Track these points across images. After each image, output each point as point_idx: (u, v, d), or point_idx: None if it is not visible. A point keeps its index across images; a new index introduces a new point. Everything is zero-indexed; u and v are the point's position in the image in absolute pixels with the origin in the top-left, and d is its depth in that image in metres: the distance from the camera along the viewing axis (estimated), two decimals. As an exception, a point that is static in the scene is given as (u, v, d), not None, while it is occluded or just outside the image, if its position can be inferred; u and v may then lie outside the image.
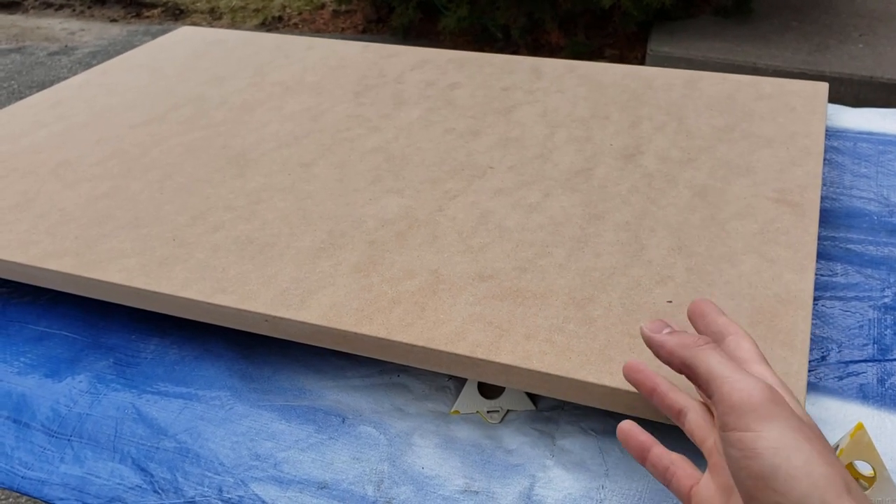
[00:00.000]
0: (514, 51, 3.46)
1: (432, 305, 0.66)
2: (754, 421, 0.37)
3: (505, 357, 0.60)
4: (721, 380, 0.40)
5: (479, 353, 0.61)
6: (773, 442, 0.36)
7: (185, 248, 0.75)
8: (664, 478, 0.49)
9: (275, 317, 0.66)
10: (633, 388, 0.56)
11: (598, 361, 0.59)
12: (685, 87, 1.04)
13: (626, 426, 0.51)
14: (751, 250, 0.71)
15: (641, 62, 3.14)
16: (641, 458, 0.50)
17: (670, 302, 0.65)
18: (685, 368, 0.44)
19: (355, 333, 0.64)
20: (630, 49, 3.34)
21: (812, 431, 0.38)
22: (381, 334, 0.63)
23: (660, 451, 0.49)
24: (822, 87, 1.03)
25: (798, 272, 0.68)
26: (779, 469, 0.35)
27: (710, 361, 0.42)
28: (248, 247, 0.74)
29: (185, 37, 1.34)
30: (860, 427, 0.56)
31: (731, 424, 0.38)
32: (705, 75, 1.07)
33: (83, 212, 0.82)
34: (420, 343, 0.62)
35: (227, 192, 0.84)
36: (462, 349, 0.61)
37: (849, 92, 2.73)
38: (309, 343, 0.66)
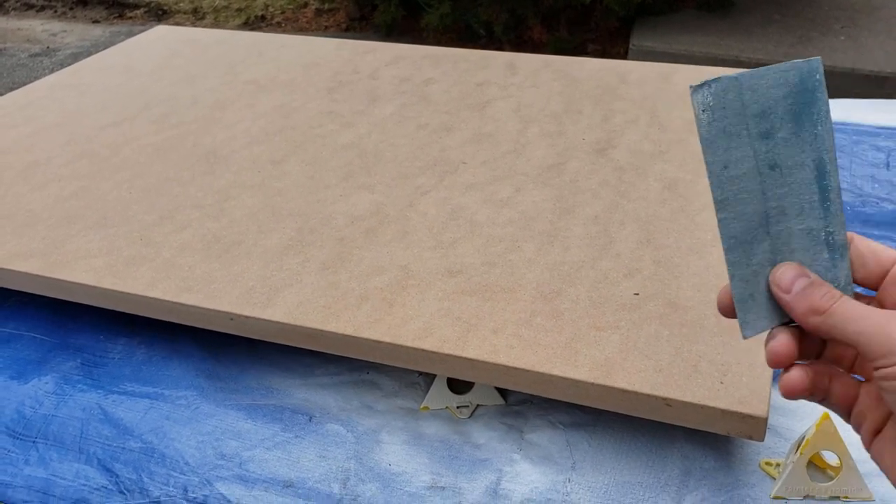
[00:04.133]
0: (498, 47, 3.46)
1: (400, 301, 0.66)
2: None
3: (472, 352, 0.60)
4: (857, 339, 0.39)
5: (447, 349, 0.61)
6: None
7: (152, 248, 0.74)
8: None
9: (240, 315, 0.65)
10: (598, 381, 0.56)
11: (564, 355, 0.59)
12: (659, 80, 1.04)
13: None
14: (720, 242, 0.70)
15: (624, 57, 3.14)
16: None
17: (637, 294, 0.64)
18: (818, 333, 0.41)
19: (321, 331, 0.63)
20: (612, 44, 3.34)
21: None
22: (348, 331, 0.63)
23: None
24: (796, 79, 1.03)
25: (766, 263, 0.68)
26: None
27: (843, 325, 0.40)
28: (214, 245, 0.74)
29: (159, 36, 1.33)
30: (826, 417, 0.56)
31: (880, 365, 0.38)
32: (680, 68, 1.07)
33: (51, 213, 0.81)
34: (387, 339, 0.62)
35: (196, 191, 0.83)
36: (429, 345, 0.61)
37: (831, 84, 2.72)
38: (275, 341, 0.66)
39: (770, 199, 0.41)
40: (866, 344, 0.38)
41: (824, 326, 0.40)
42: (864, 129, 1.02)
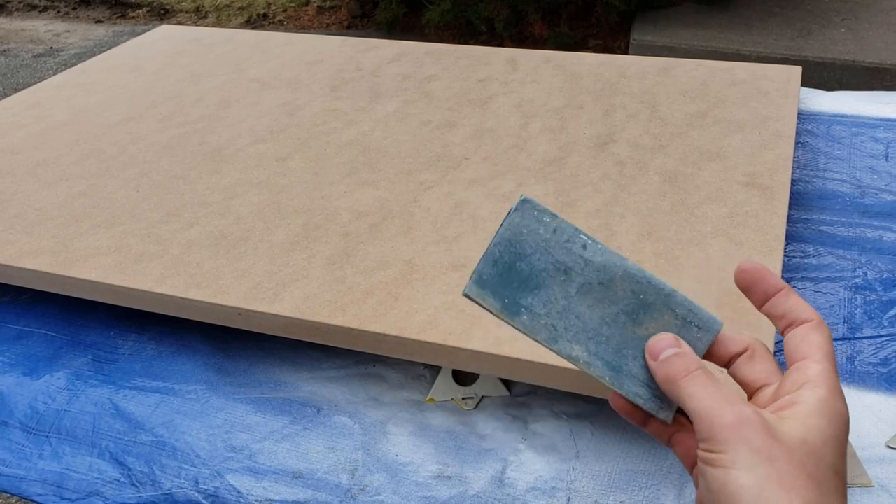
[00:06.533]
0: (499, 43, 3.47)
1: (406, 295, 0.67)
2: (716, 444, 0.39)
3: (476, 343, 0.61)
4: (693, 416, 0.41)
5: (451, 341, 0.62)
6: (726, 462, 0.38)
7: (161, 245, 0.75)
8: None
9: (248, 310, 0.66)
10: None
11: (566, 346, 0.60)
12: (659, 74, 1.05)
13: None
14: (719, 234, 0.71)
15: (625, 52, 3.15)
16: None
17: (639, 286, 0.65)
18: (674, 401, 0.43)
19: (328, 325, 0.64)
20: (614, 39, 3.35)
21: (783, 451, 0.38)
22: (354, 325, 0.64)
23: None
24: (796, 71, 1.04)
25: (766, 254, 0.69)
26: (726, 486, 0.38)
27: (686, 399, 0.41)
28: (222, 242, 0.75)
29: (164, 35, 1.34)
30: (824, 404, 0.57)
31: (701, 447, 0.40)
32: (680, 62, 1.08)
33: (60, 211, 0.82)
34: (392, 332, 0.63)
35: (203, 188, 0.84)
36: (434, 337, 0.62)
37: (832, 76, 2.74)
38: (282, 335, 0.67)
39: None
40: (696, 423, 0.40)
41: (674, 395, 0.42)
42: (863, 120, 1.03)
